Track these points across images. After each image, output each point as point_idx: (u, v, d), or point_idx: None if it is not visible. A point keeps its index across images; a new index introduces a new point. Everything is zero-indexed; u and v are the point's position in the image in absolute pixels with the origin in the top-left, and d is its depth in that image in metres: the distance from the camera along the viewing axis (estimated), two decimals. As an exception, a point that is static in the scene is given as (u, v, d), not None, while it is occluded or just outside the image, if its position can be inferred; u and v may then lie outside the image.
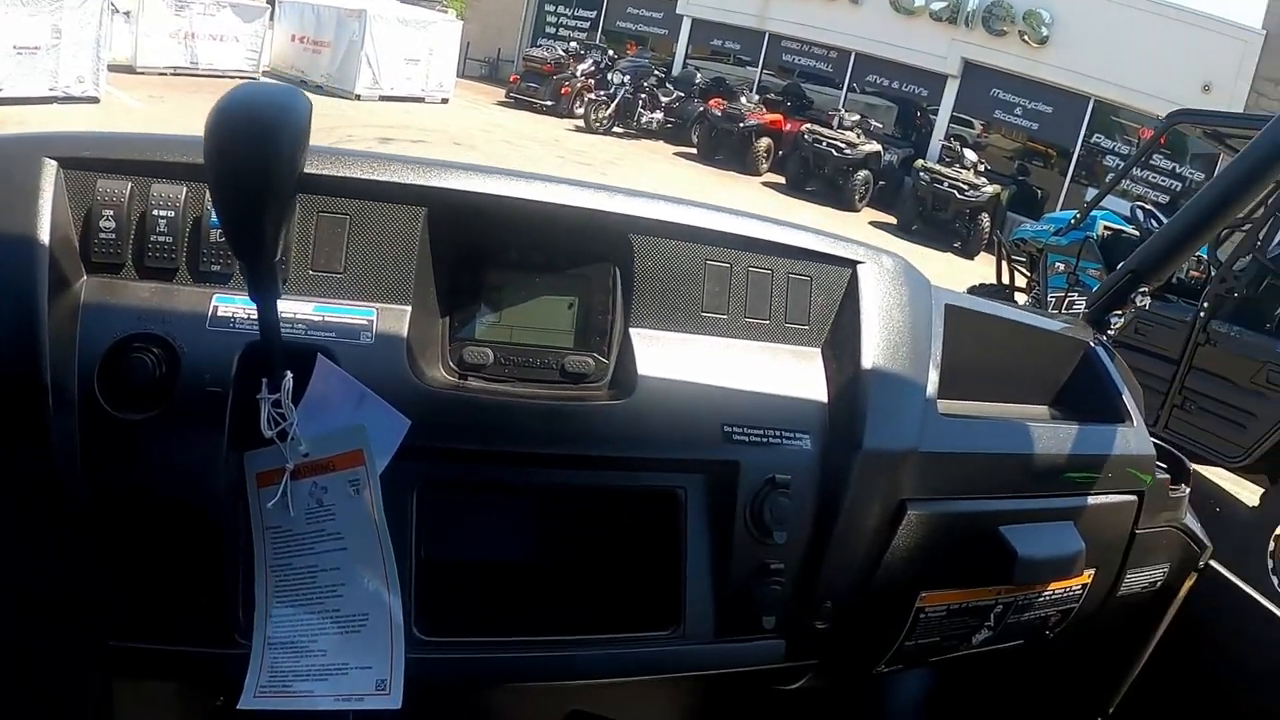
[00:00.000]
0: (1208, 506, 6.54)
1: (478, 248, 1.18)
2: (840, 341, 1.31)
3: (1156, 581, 1.69)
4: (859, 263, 1.34)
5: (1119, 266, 1.83)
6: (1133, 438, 1.57)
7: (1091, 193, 8.32)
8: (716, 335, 1.25)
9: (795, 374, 1.28)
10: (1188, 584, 1.75)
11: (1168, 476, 1.66)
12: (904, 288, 1.36)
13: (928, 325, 1.36)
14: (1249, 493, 6.07)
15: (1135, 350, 6.35)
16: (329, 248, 1.10)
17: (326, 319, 1.08)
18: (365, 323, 1.09)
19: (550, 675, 1.18)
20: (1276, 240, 6.65)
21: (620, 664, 1.18)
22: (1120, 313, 1.80)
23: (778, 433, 1.22)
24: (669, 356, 1.21)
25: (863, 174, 17.89)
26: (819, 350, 1.32)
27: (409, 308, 1.12)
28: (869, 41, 21.54)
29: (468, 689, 1.26)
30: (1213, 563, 1.75)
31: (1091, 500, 1.50)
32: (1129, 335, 6.37)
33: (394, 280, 1.12)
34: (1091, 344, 1.70)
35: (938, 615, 1.39)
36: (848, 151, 17.60)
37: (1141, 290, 1.80)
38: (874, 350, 1.28)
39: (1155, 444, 1.67)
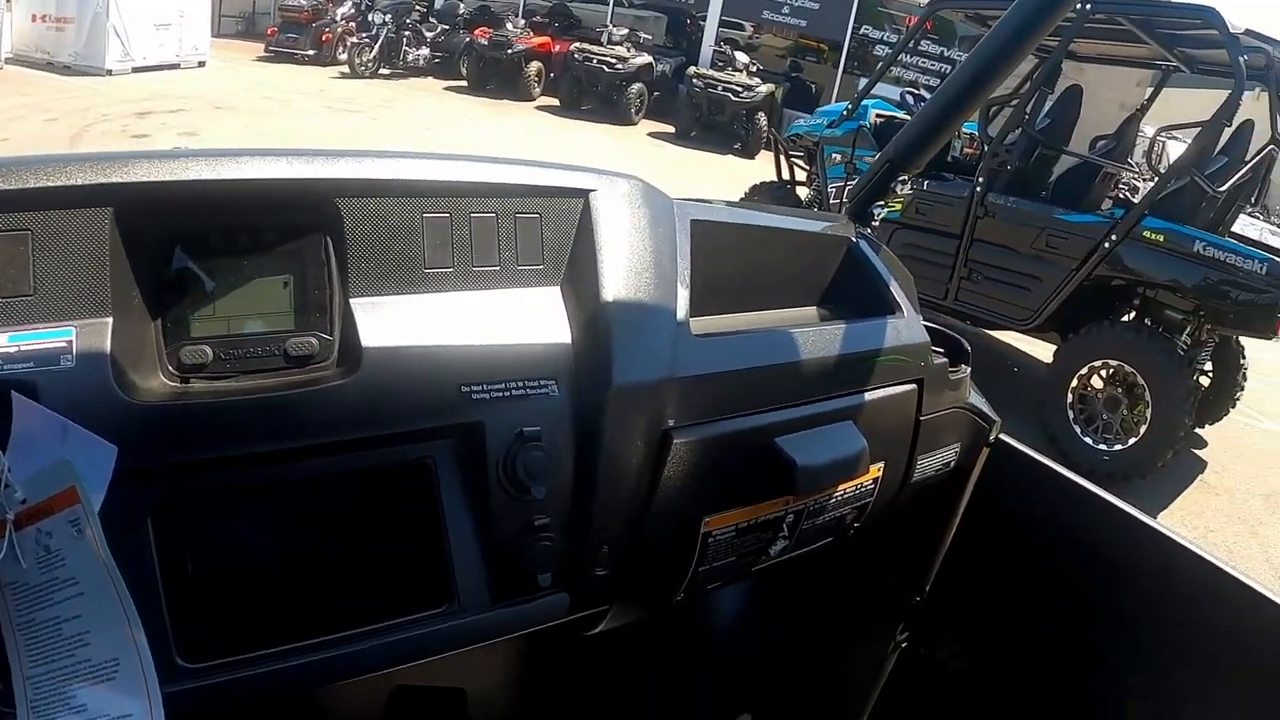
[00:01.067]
0: (1006, 369, 6.88)
1: (176, 240, 1.06)
2: (578, 277, 1.25)
3: (950, 463, 1.70)
4: (591, 191, 1.27)
5: (875, 158, 1.82)
6: (904, 327, 1.56)
7: (864, 83, 8.49)
8: (445, 291, 1.18)
9: (534, 319, 1.21)
10: (981, 460, 1.77)
11: (946, 360, 1.66)
12: (642, 210, 1.31)
13: (672, 246, 1.32)
14: (1045, 351, 6.44)
15: (920, 230, 6.63)
16: (13, 270, 0.97)
17: (22, 348, 0.96)
18: (64, 345, 0.97)
19: (328, 678, 1.11)
20: (1044, 113, 6.96)
21: (398, 652, 1.12)
22: (883, 204, 1.80)
23: (520, 384, 1.17)
24: (395, 322, 1.13)
25: (636, 87, 18.01)
26: (558, 289, 1.25)
27: (110, 319, 1.00)
28: (632, -47, 21.51)
29: (246, 708, 1.12)
30: (1003, 436, 1.78)
31: (869, 396, 1.48)
32: (912, 216, 6.63)
33: (89, 292, 1.00)
34: (854, 239, 1.66)
35: (727, 536, 1.36)
36: (619, 66, 17.71)
37: (901, 179, 1.79)
38: (615, 281, 1.24)
39: (932, 329, 1.67)
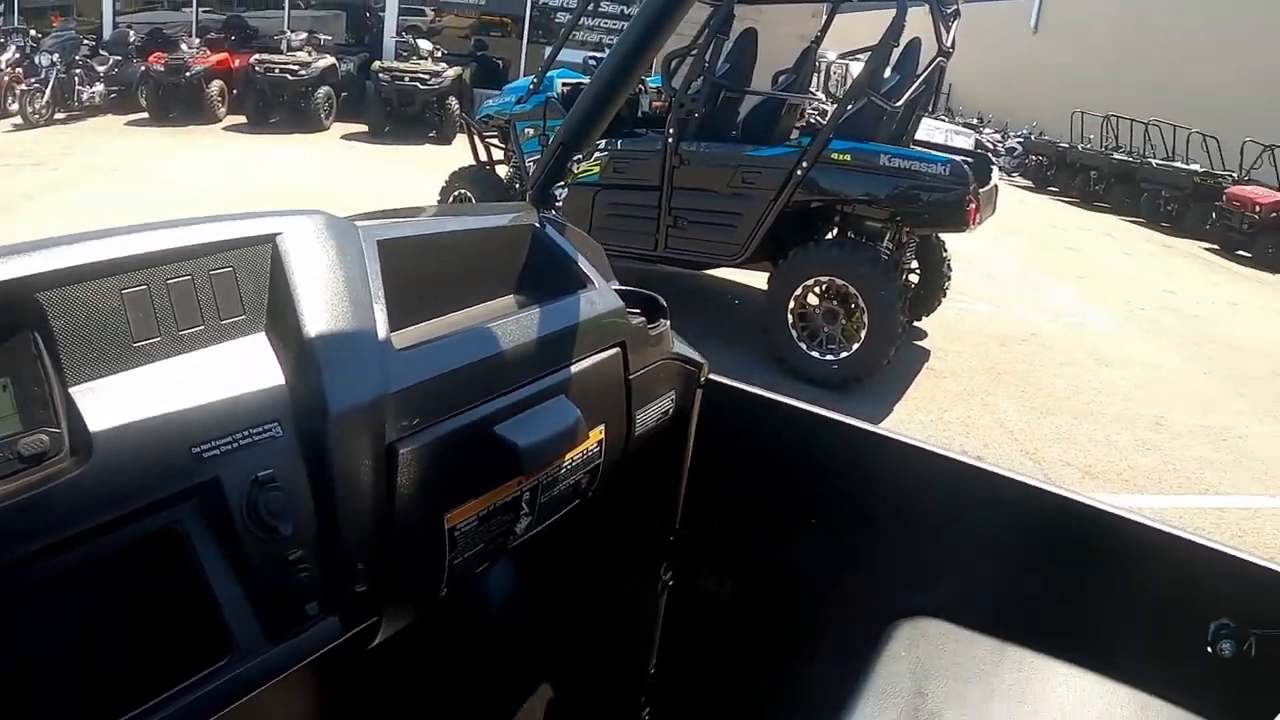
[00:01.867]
0: (728, 303, 7.12)
1: None
2: (280, 320, 1.27)
3: (668, 410, 1.84)
4: (277, 234, 1.30)
5: (549, 142, 1.87)
6: (597, 298, 1.67)
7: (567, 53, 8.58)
8: (158, 361, 1.17)
9: (248, 368, 1.22)
10: (697, 401, 1.92)
11: (644, 319, 1.77)
12: (329, 242, 1.34)
13: (362, 270, 1.35)
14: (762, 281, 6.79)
15: (622, 188, 6.73)
16: None
17: None
18: None
19: None
20: (723, 58, 7.19)
21: (195, 713, 1.11)
22: (563, 184, 1.90)
23: (246, 433, 1.17)
24: (117, 402, 1.11)
25: (323, 91, 17.44)
26: (263, 334, 1.27)
27: None
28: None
29: None
30: (712, 375, 1.93)
31: (576, 368, 1.58)
32: (611, 176, 6.73)
33: None
34: (538, 225, 1.74)
35: (470, 526, 1.42)
36: (301, 73, 17.11)
37: (576, 159, 1.85)
38: (314, 315, 1.27)
39: (626, 291, 1.79)
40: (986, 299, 10.29)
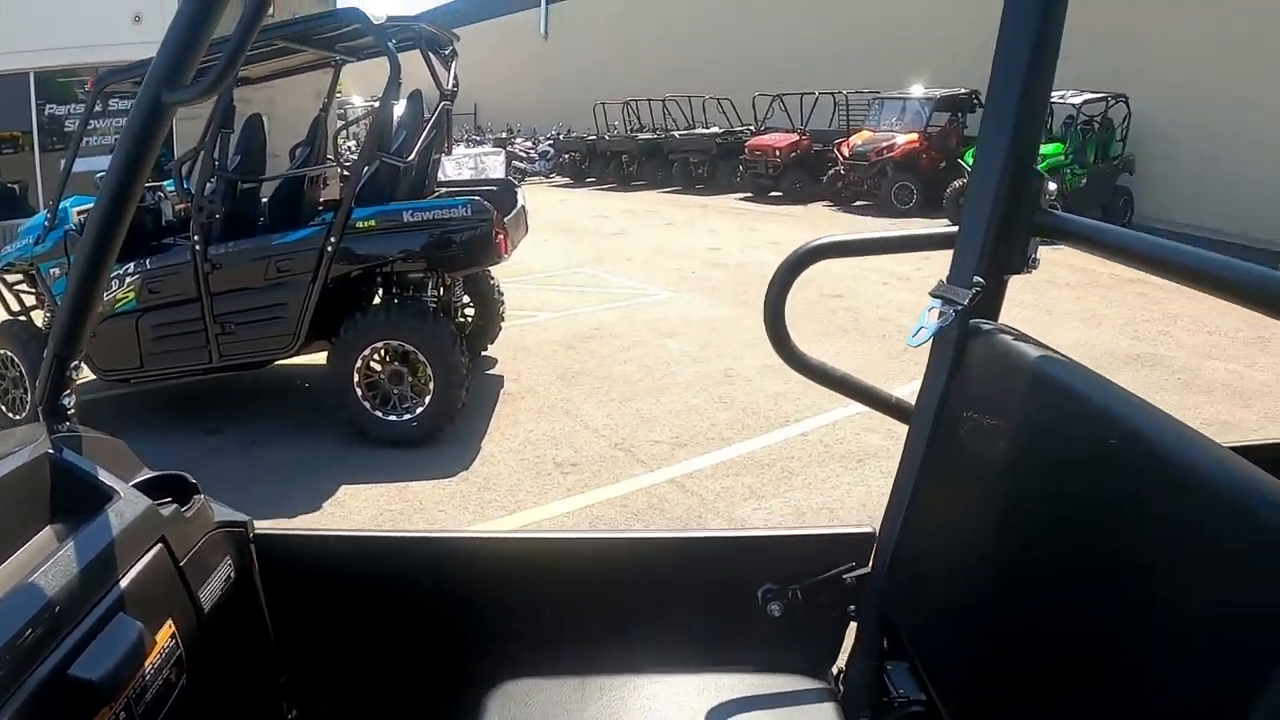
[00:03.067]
0: (299, 388, 6.92)
1: None
2: None
3: (229, 575, 1.85)
4: None
5: (44, 355, 1.78)
6: (125, 507, 1.61)
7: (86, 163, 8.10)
8: None
9: None
10: (254, 555, 1.94)
11: (177, 503, 1.75)
12: None
13: None
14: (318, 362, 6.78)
15: (162, 308, 6.49)
16: None
17: None
18: None
19: None
20: (232, 151, 7.14)
21: None
22: (69, 391, 1.78)
23: None
24: None
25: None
26: None
27: None
28: None
29: None
30: (257, 526, 1.95)
31: (125, 581, 1.54)
32: (149, 298, 6.50)
33: None
34: (52, 449, 1.68)
35: None
36: None
37: (75, 365, 1.78)
38: None
39: (155, 479, 1.78)
40: (548, 306, 10.80)
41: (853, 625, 1.97)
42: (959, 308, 1.74)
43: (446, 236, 6.47)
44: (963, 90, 21.08)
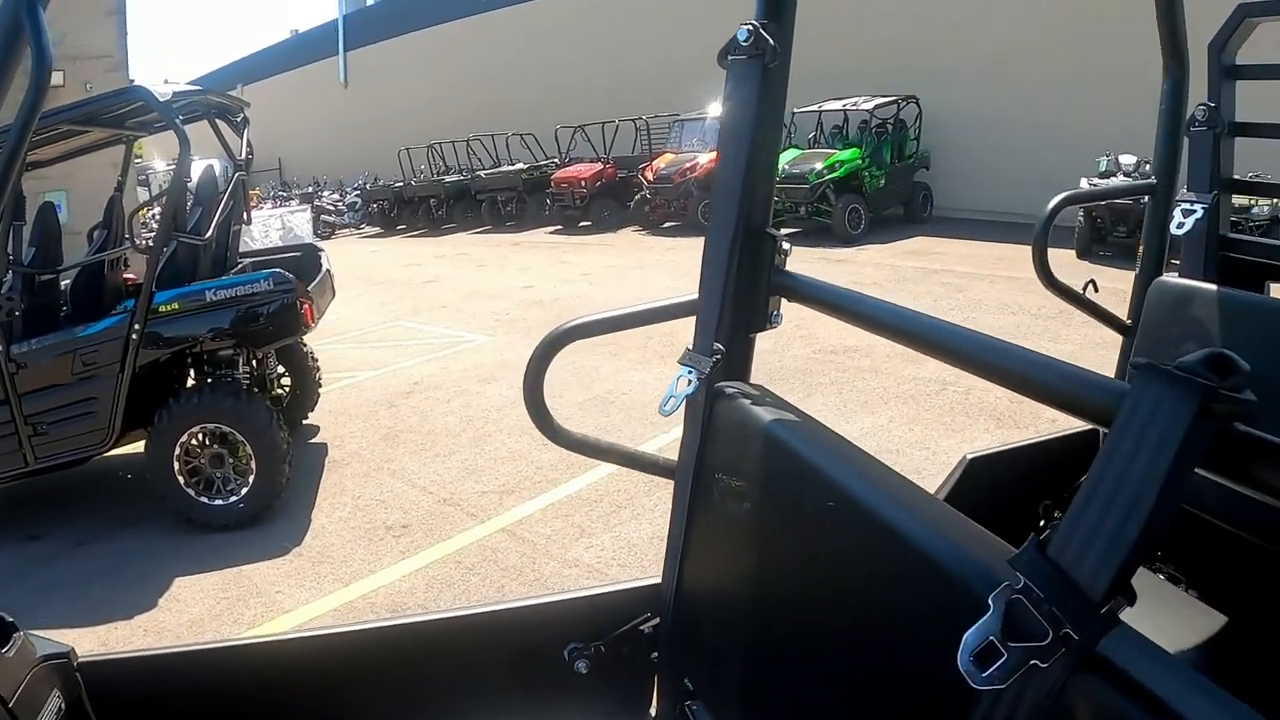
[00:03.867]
0: (121, 480, 6.65)
1: None
2: None
3: (59, 708, 1.79)
4: None
5: None
6: None
7: None
8: None
9: None
10: (81, 684, 1.86)
11: None
12: None
13: None
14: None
15: None
16: None
17: None
18: None
19: None
20: (26, 243, 6.99)
21: None
22: None
23: None
24: None
25: None
26: None
27: None
28: None
29: None
30: (81, 654, 1.88)
31: None
32: None
33: None
34: None
35: None
36: None
37: None
38: None
39: None
40: (366, 364, 10.82)
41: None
42: (703, 375, 1.83)
43: (252, 312, 6.47)
44: (761, 105, 21.94)
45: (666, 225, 21.47)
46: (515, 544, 5.86)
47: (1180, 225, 3.03)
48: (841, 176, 17.89)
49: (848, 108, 19.10)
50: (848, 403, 8.04)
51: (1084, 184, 13.32)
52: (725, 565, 1.85)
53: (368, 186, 30.25)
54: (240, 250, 8.45)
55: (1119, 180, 13.47)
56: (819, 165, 17.83)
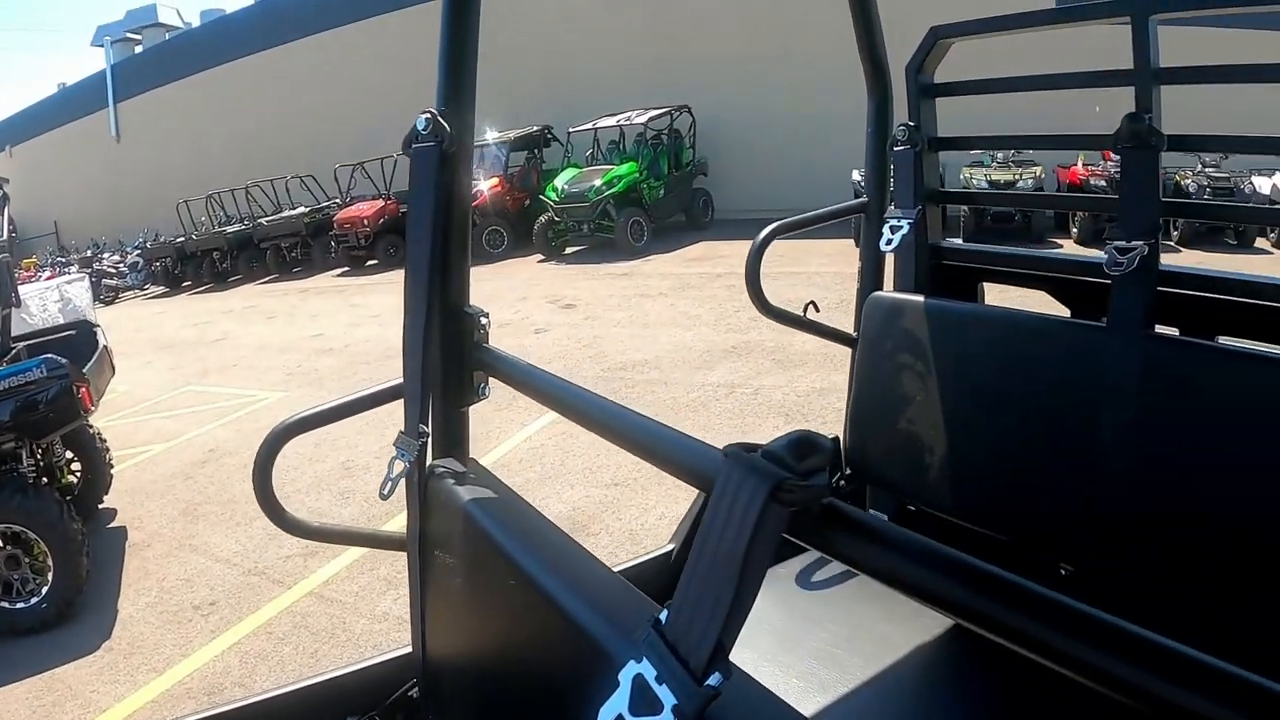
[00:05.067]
0: None
1: None
2: None
3: None
4: None
5: None
6: None
7: None
8: None
9: None
10: None
11: None
12: None
13: None
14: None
15: None
16: None
17: None
18: None
19: None
20: None
21: None
22: None
23: None
24: None
25: None
26: None
27: None
28: None
29: None
30: None
31: None
32: None
33: None
34: None
35: None
36: None
37: None
38: None
39: None
40: (159, 436, 10.64)
41: None
42: (411, 459, 1.84)
43: (29, 401, 6.30)
44: (535, 127, 22.35)
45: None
46: (324, 606, 5.93)
47: (889, 242, 3.03)
48: (621, 191, 18.39)
49: (622, 123, 19.64)
50: (637, 420, 8.35)
51: (855, 175, 14.11)
52: (456, 633, 1.91)
53: (148, 244, 29.06)
54: (14, 334, 8.13)
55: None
56: (597, 182, 18.32)
